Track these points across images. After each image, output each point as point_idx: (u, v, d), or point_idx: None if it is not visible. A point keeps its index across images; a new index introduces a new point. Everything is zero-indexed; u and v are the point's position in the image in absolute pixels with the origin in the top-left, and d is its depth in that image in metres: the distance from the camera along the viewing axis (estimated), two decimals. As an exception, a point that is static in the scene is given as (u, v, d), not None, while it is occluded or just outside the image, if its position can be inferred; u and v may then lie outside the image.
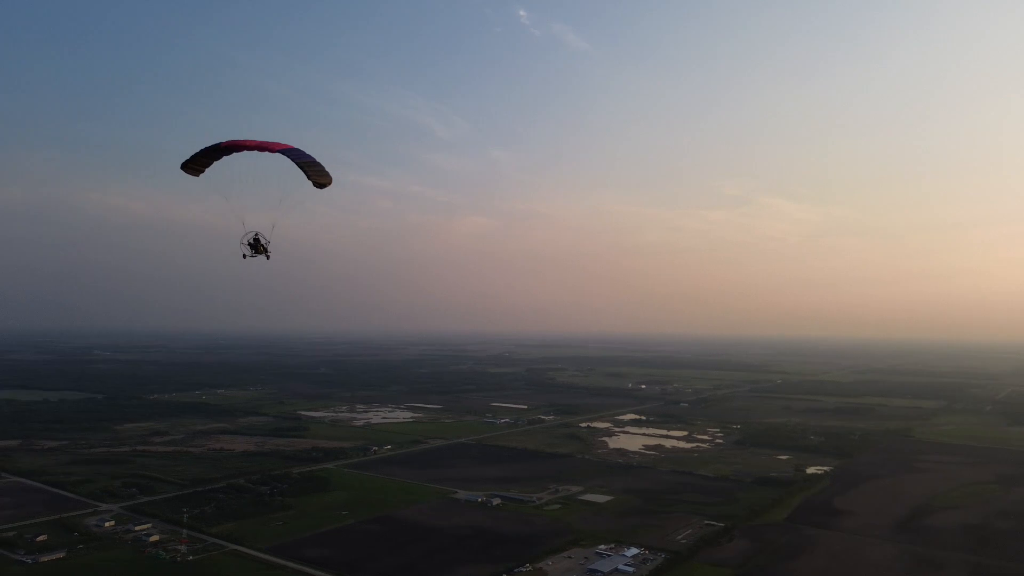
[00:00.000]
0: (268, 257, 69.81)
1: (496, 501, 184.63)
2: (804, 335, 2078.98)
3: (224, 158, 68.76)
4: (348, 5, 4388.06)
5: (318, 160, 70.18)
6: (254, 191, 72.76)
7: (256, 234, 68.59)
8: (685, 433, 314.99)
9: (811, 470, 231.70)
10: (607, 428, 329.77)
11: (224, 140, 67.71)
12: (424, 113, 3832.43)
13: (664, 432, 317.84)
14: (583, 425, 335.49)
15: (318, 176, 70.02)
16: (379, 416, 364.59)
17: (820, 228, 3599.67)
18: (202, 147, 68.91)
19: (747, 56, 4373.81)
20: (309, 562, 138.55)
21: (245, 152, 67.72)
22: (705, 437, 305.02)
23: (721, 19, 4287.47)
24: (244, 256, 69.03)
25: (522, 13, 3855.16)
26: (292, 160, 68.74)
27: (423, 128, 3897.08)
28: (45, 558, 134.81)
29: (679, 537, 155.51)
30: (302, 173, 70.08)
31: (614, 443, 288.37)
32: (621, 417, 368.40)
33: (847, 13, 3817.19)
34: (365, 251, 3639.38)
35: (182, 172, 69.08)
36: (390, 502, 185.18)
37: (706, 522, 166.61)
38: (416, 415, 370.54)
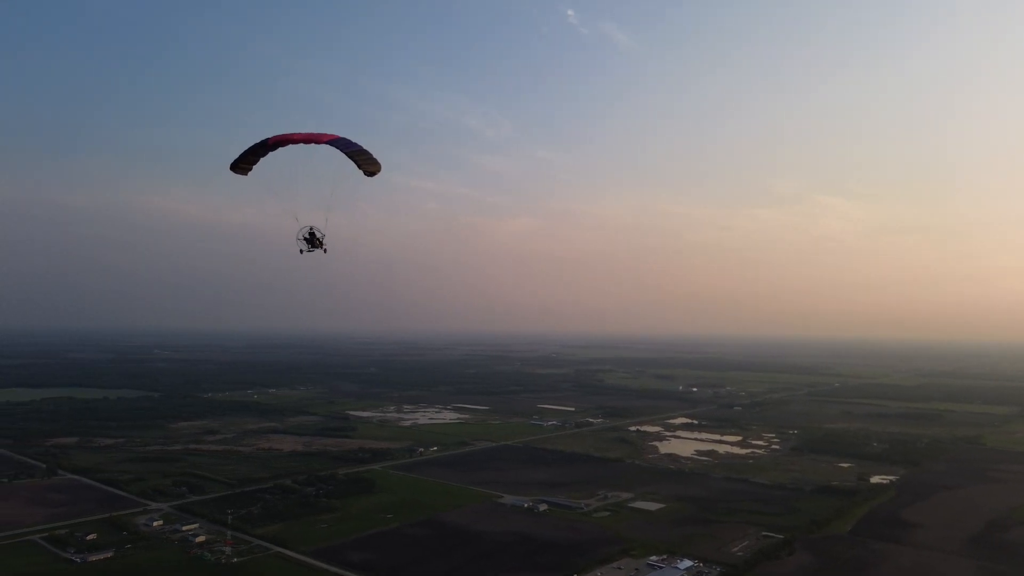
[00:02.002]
0: (325, 250, 68.42)
1: (543, 506, 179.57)
2: (861, 337, 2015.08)
3: (273, 155, 67.92)
4: (393, 10, 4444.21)
5: (366, 149, 68.65)
6: (305, 186, 72.78)
7: (311, 228, 67.39)
8: (739, 438, 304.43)
9: (875, 479, 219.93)
10: (658, 432, 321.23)
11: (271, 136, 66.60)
12: (471, 115, 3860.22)
13: (717, 437, 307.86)
14: (633, 429, 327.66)
15: (368, 164, 68.66)
16: (426, 417, 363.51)
17: (878, 227, 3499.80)
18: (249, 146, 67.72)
19: (798, 51, 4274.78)
20: (352, 566, 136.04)
21: (292, 147, 66.68)
22: (761, 443, 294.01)
23: (770, 14, 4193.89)
24: (301, 251, 67.83)
25: (570, 12, 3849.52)
26: (341, 150, 67.07)
27: (470, 130, 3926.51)
28: (93, 557, 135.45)
29: (735, 549, 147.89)
30: (351, 164, 68.69)
31: (665, 448, 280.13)
32: (672, 421, 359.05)
33: (896, 7, 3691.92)
34: (413, 253, 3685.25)
35: (234, 176, 69.20)
36: (435, 505, 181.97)
37: (764, 533, 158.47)
38: (463, 416, 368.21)
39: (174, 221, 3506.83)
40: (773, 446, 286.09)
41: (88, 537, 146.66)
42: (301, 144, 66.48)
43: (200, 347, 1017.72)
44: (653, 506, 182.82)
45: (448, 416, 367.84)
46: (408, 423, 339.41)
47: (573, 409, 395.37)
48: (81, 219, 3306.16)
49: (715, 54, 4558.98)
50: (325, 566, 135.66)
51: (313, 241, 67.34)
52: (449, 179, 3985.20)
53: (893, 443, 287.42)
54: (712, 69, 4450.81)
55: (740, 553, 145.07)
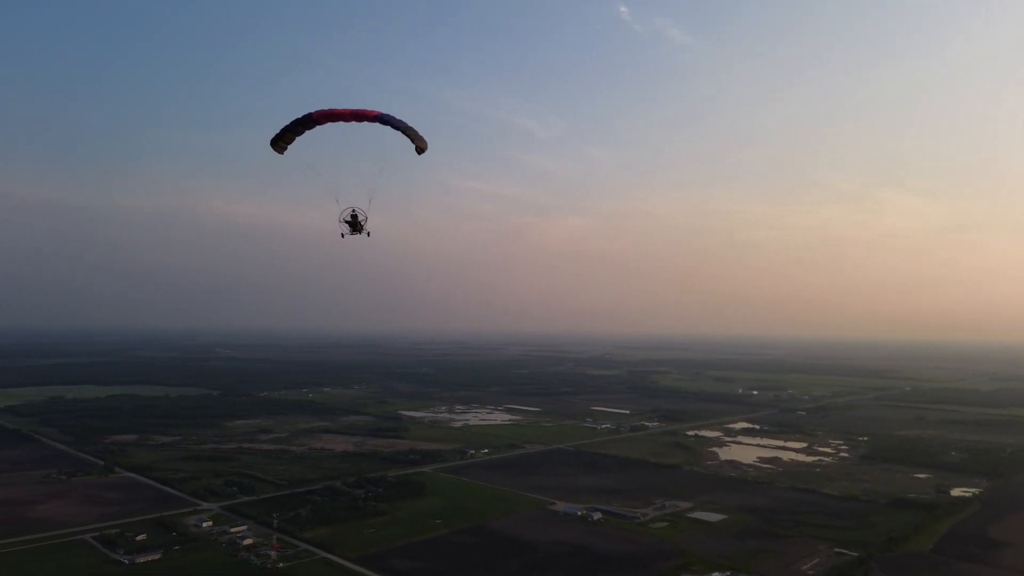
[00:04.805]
0: (368, 234, 64.13)
1: (597, 515, 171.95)
2: (932, 338, 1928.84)
3: (313, 135, 64.95)
4: (445, 9, 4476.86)
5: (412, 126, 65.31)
6: (347, 168, 69.16)
7: (353, 210, 62.99)
8: (805, 445, 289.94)
9: (956, 492, 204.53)
10: (717, 437, 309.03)
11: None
12: (523, 115, 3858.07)
13: (781, 443, 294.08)
14: (690, 433, 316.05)
15: (417, 140, 64.87)
16: (478, 417, 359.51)
17: (948, 223, 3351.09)
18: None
19: (855, 41, 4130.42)
20: (398, 574, 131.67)
21: (331, 126, 63.52)
22: (828, 450, 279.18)
23: (828, 4, 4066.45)
24: (343, 235, 63.61)
25: (623, 9, 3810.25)
26: (391, 126, 63.26)
27: (522, 130, 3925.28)
28: (141, 559, 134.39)
29: (805, 567, 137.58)
30: (393, 145, 65.46)
31: (725, 454, 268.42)
32: (732, 425, 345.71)
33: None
34: (469, 254, 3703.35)
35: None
36: (485, 511, 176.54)
37: (836, 550, 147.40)
38: (514, 417, 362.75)
39: (236, 223, 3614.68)
40: (841, 454, 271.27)
41: (138, 537, 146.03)
42: (342, 122, 62.97)
43: (259, 346, 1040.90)
44: (714, 517, 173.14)
45: (500, 417, 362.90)
46: (459, 424, 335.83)
47: (628, 412, 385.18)
48: (146, 222, 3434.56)
49: (771, 46, 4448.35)
50: (371, 574, 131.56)
51: (355, 225, 63.15)
52: (501, 180, 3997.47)
53: (973, 452, 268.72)
54: (767, 62, 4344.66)
55: (811, 572, 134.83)
